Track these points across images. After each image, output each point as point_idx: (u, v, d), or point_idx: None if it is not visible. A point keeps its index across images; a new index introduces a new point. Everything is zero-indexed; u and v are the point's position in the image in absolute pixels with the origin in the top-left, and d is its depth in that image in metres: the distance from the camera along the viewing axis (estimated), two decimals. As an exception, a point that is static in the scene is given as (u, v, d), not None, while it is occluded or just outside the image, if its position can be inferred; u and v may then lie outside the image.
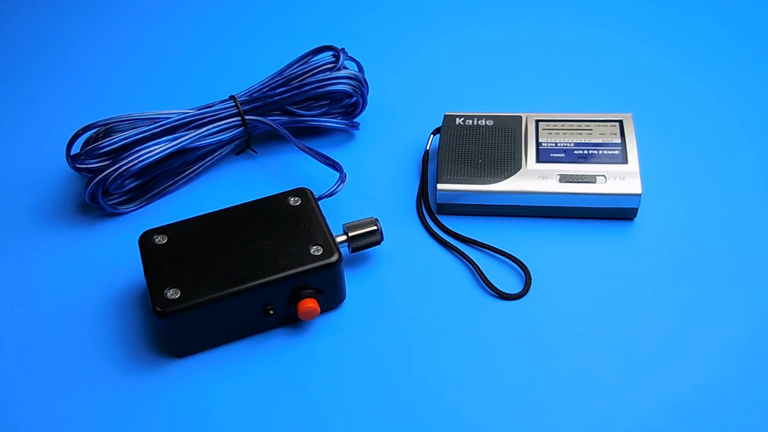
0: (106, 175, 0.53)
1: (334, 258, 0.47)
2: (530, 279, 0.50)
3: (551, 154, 0.54)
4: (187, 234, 0.49)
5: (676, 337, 0.47)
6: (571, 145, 0.55)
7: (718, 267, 0.51)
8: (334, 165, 0.55)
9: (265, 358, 0.47)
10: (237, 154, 0.61)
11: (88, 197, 0.54)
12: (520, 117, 0.57)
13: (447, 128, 0.57)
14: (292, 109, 0.59)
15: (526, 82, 0.66)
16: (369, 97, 0.64)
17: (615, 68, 0.66)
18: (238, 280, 0.46)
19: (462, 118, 0.58)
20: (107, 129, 0.55)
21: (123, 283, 0.52)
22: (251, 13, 0.76)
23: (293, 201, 0.50)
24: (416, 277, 0.51)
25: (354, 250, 0.51)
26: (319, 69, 0.58)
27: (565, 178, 0.53)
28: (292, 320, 0.49)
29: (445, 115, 0.58)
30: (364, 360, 0.47)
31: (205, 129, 0.56)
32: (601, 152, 0.54)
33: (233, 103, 0.57)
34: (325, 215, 0.51)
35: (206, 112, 0.57)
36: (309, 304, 0.47)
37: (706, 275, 0.50)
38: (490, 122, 0.57)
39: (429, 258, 0.52)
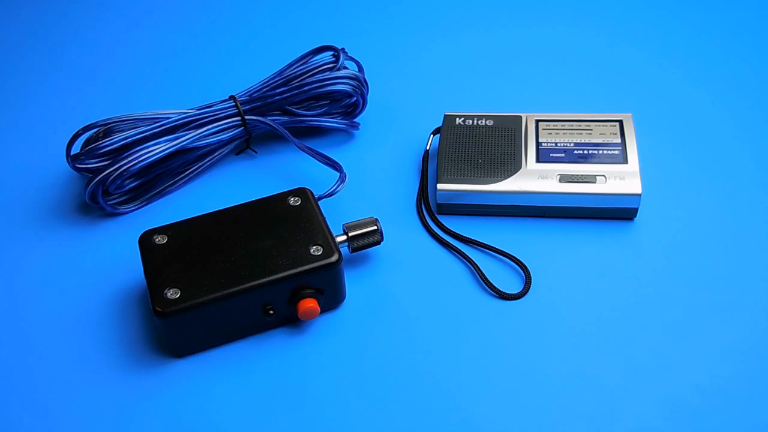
0: (106, 175, 0.53)
1: (334, 258, 0.47)
2: (530, 279, 0.50)
3: (551, 154, 0.54)
4: (187, 234, 0.49)
5: (676, 337, 0.47)
6: (571, 145, 0.55)
7: (718, 267, 0.51)
8: (334, 165, 0.55)
9: (265, 358, 0.47)
10: (237, 154, 0.61)
11: (88, 197, 0.54)
12: (520, 117, 0.57)
13: (447, 128, 0.57)
14: (292, 109, 0.59)
15: (526, 82, 0.66)
16: (369, 97, 0.64)
17: (615, 68, 0.66)
18: (238, 280, 0.46)
19: (462, 118, 0.58)
20: (107, 129, 0.55)
21: (123, 283, 0.52)
22: (251, 14, 0.76)
23: (293, 201, 0.50)
24: (416, 277, 0.51)
25: (354, 250, 0.51)
26: (319, 69, 0.58)
27: (565, 178, 0.53)
28: (292, 320, 0.49)
29: (445, 115, 0.58)
30: (364, 360, 0.47)
31: (205, 129, 0.56)
32: (601, 152, 0.54)
33: (233, 103, 0.57)
34: (325, 215, 0.51)
35: (206, 112, 0.57)
36: (309, 304, 0.47)
37: (705, 275, 0.50)
38: (490, 122, 0.57)
39: (429, 258, 0.52)
